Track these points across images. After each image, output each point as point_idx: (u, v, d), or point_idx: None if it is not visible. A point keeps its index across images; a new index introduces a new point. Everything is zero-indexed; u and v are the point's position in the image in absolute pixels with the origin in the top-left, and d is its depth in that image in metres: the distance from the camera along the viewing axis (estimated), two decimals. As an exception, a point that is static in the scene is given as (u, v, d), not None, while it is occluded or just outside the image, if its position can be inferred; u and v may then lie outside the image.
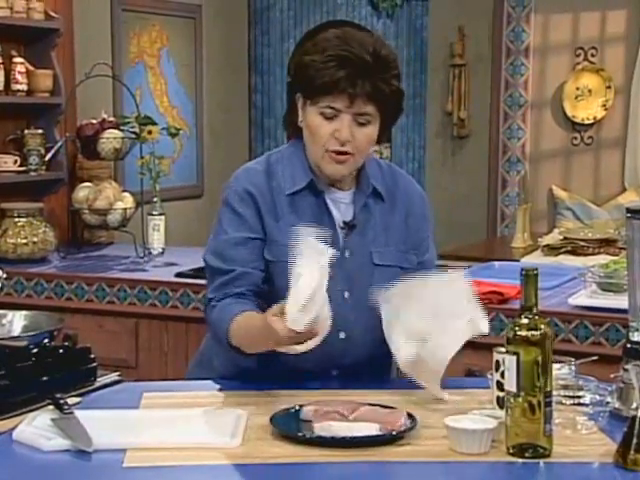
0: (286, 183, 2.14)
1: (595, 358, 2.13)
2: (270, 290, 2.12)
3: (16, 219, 3.91)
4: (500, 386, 1.87)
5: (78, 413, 1.89)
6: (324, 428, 1.79)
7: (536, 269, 1.75)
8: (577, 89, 5.90)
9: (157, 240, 4.01)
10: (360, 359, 2.17)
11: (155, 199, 4.03)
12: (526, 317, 1.74)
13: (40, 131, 4.13)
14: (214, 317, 2.09)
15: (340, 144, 2.06)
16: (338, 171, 2.10)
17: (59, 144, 4.17)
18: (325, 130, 2.06)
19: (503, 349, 1.80)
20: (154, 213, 4.02)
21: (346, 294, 2.13)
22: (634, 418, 1.69)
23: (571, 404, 1.84)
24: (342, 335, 2.13)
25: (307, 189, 2.13)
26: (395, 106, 2.13)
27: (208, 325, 2.15)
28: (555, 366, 1.82)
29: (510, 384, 1.73)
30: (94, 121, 4.10)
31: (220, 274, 2.12)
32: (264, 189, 2.13)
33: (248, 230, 2.12)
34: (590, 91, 5.89)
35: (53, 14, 4.16)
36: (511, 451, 1.73)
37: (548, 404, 1.72)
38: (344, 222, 2.15)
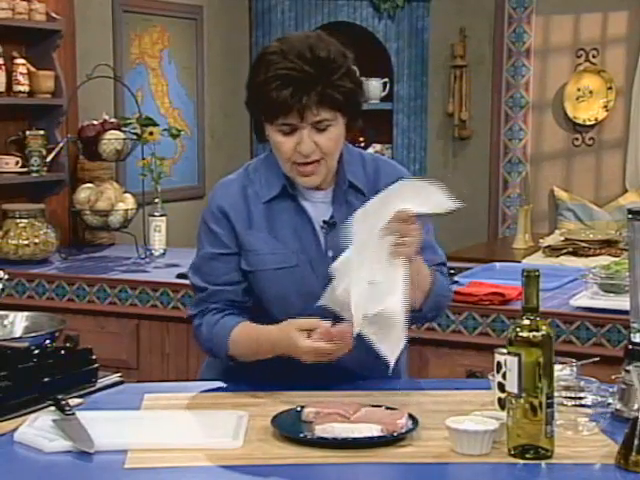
0: (262, 191, 2.16)
1: (596, 359, 2.13)
2: (256, 298, 2.18)
3: (17, 220, 3.91)
4: (501, 387, 1.87)
5: (79, 414, 1.89)
6: (325, 429, 1.79)
7: (537, 270, 1.75)
8: (578, 90, 5.90)
9: (158, 241, 4.02)
10: (356, 360, 2.16)
11: (156, 200, 4.04)
12: (527, 318, 1.73)
13: (41, 132, 4.13)
14: (205, 336, 2.17)
15: (304, 157, 2.06)
16: (310, 182, 2.12)
17: (60, 145, 4.17)
18: (288, 146, 2.07)
19: (504, 350, 1.80)
20: (155, 214, 4.03)
21: None
22: (635, 419, 1.69)
23: (572, 405, 1.84)
24: None
25: (282, 194, 2.15)
26: (353, 102, 2.09)
27: (198, 341, 2.21)
28: (556, 367, 1.82)
29: (512, 385, 1.73)
30: (95, 122, 4.10)
31: (198, 291, 2.20)
32: (239, 202, 2.16)
33: (222, 246, 2.17)
34: (591, 92, 5.88)
35: (55, 15, 4.16)
36: (512, 452, 1.73)
37: (550, 405, 1.72)
38: (324, 221, 2.15)
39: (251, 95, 2.12)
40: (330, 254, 2.13)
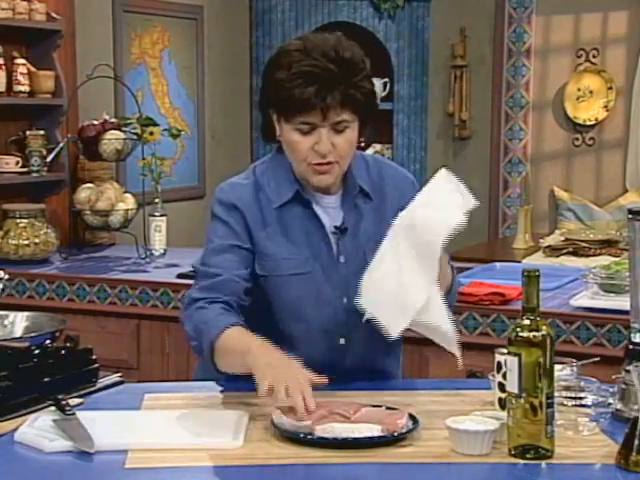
0: (273, 196, 2.12)
1: (597, 359, 2.13)
2: (262, 304, 2.11)
3: (18, 220, 3.91)
4: (502, 387, 1.87)
5: (80, 414, 1.89)
6: (325, 429, 1.79)
7: (538, 270, 1.75)
8: (578, 90, 5.90)
9: (159, 241, 4.02)
10: (360, 363, 2.16)
11: (157, 200, 4.04)
12: (528, 318, 1.73)
13: (42, 132, 4.13)
14: (203, 317, 2.01)
15: (321, 157, 2.03)
16: (324, 181, 2.08)
17: (61, 145, 4.17)
18: (304, 145, 2.03)
19: (505, 350, 1.80)
20: (156, 214, 4.03)
21: (344, 299, 2.11)
22: (636, 419, 1.69)
23: (573, 405, 1.84)
24: (342, 341, 2.13)
25: (294, 200, 2.11)
26: (370, 106, 2.08)
27: (189, 322, 2.05)
28: (557, 367, 1.82)
29: (512, 385, 1.73)
30: (96, 122, 4.10)
31: (206, 277, 2.08)
32: (251, 202, 2.11)
33: (234, 238, 2.10)
34: (591, 92, 5.88)
35: (55, 15, 4.16)
36: (513, 452, 1.73)
37: (550, 405, 1.72)
38: (335, 227, 2.12)
39: (269, 92, 2.07)
40: (342, 260, 2.12)
